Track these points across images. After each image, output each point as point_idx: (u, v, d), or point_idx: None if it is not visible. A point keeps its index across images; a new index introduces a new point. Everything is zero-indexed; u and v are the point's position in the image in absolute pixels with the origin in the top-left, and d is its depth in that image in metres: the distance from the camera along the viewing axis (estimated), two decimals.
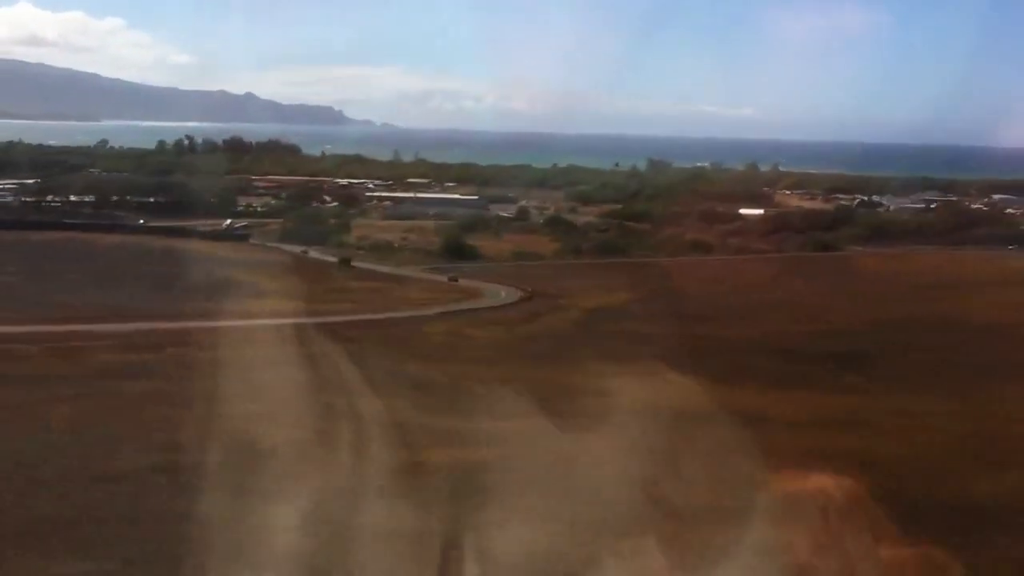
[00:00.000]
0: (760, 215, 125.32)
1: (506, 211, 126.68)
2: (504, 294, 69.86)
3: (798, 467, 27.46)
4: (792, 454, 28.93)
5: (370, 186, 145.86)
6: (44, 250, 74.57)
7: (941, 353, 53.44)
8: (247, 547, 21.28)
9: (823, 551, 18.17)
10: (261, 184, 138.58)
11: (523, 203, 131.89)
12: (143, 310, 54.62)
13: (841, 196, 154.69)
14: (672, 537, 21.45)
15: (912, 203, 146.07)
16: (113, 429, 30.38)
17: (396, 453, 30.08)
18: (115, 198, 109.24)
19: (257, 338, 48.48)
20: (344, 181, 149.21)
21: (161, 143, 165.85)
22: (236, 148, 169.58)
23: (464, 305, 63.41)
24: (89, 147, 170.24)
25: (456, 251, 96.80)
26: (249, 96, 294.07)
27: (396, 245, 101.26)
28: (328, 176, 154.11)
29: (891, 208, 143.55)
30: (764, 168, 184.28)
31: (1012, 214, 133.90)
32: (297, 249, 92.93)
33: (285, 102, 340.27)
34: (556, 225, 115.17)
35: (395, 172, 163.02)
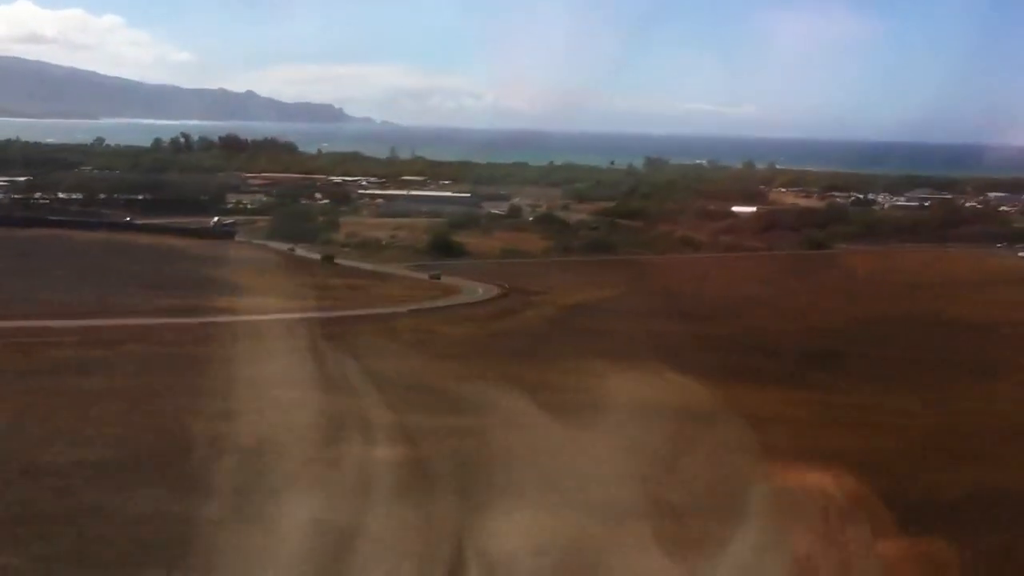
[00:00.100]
0: (752, 213, 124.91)
1: (499, 209, 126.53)
2: (481, 291, 69.56)
3: (747, 461, 27.29)
4: (745, 449, 28.72)
5: (364, 183, 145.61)
6: (24, 246, 74.44)
7: (917, 350, 53.13)
8: (150, 542, 21.09)
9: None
10: (255, 182, 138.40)
11: (516, 201, 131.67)
12: (112, 306, 54.39)
13: (836, 194, 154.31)
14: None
15: (907, 201, 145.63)
16: (49, 424, 30.12)
17: (332, 447, 29.93)
18: (103, 196, 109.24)
19: (218, 334, 48.33)
20: (339, 179, 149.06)
21: (157, 141, 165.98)
22: (232, 146, 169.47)
23: (439, 302, 63.16)
24: (86, 145, 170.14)
25: (443, 248, 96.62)
26: (249, 94, 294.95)
27: (384, 242, 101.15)
28: (323, 174, 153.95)
29: (885, 206, 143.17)
30: (761, 166, 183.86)
31: (1005, 212, 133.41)
32: (284, 246, 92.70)
33: (285, 100, 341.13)
34: (547, 223, 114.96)
35: (391, 170, 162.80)
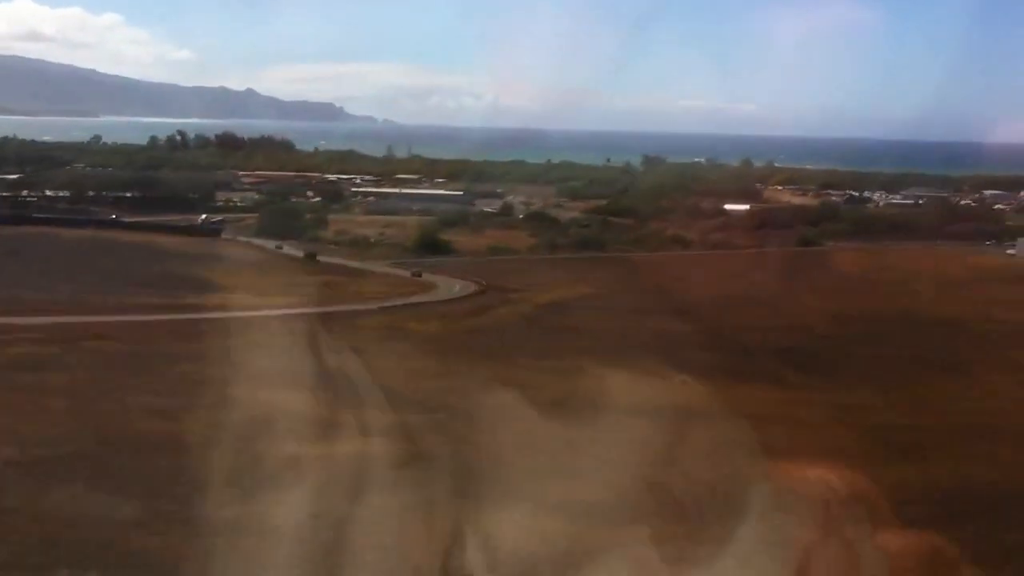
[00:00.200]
0: (745, 211, 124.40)
1: (491, 207, 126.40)
2: (458, 288, 69.46)
3: (679, 454, 27.12)
4: (695, 445, 28.56)
5: (358, 181, 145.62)
6: (4, 244, 74.61)
7: (891, 348, 52.84)
8: (53, 542, 20.98)
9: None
10: (248, 179, 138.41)
11: (509, 199, 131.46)
12: (83, 303, 54.54)
13: (832, 192, 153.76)
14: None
15: (902, 198, 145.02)
16: None
17: (268, 445, 29.81)
18: (91, 193, 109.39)
19: (181, 332, 48.41)
20: (333, 176, 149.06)
21: (153, 138, 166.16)
22: (229, 144, 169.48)
23: (413, 299, 63.12)
24: (82, 143, 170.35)
25: (430, 246, 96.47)
26: (249, 92, 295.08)
27: (372, 240, 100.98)
28: (319, 171, 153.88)
29: (880, 204, 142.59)
30: (758, 164, 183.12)
31: (999, 210, 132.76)
32: (270, 244, 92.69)
33: (286, 98, 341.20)
34: (537, 220, 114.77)
35: (387, 168, 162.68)
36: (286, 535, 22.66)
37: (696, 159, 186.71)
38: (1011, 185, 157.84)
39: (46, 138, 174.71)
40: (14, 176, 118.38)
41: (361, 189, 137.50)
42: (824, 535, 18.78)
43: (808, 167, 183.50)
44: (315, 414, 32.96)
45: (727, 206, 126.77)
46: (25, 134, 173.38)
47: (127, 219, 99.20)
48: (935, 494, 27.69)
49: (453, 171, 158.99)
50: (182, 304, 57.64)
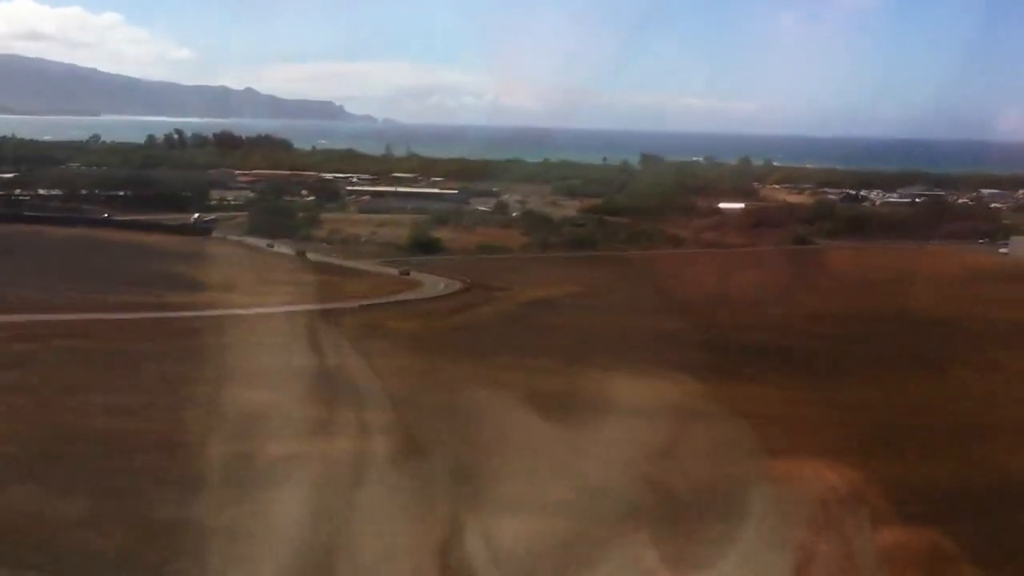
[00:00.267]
0: (740, 209, 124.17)
1: (486, 205, 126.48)
2: (443, 286, 69.43)
3: (643, 454, 27.07)
4: (642, 442, 28.50)
5: (355, 180, 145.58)
6: None
7: (868, 345, 52.74)
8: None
9: None
10: (244, 178, 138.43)
11: (504, 197, 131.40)
12: (61, 302, 54.57)
13: (830, 190, 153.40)
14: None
15: (899, 197, 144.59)
16: None
17: (227, 444, 29.80)
18: (84, 191, 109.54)
19: (156, 330, 48.46)
20: (330, 175, 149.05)
21: (150, 137, 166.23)
22: (227, 142, 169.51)
23: (396, 297, 63.12)
24: (81, 142, 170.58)
25: (421, 245, 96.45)
26: (249, 91, 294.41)
27: (364, 239, 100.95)
28: (315, 170, 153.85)
29: (877, 202, 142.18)
30: (757, 163, 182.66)
31: (996, 208, 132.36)
32: (262, 242, 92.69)
33: (286, 97, 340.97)
34: (531, 219, 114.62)
35: (385, 167, 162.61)
36: (226, 533, 22.67)
37: (694, 158, 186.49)
38: (1010, 184, 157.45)
39: (46, 137, 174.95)
40: (9, 175, 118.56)
41: (357, 188, 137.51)
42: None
43: (806, 166, 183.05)
44: (275, 411, 33.00)
45: (722, 205, 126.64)
46: (26, 133, 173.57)
47: (118, 218, 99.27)
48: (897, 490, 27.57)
49: (450, 170, 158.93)
50: (162, 303, 57.74)
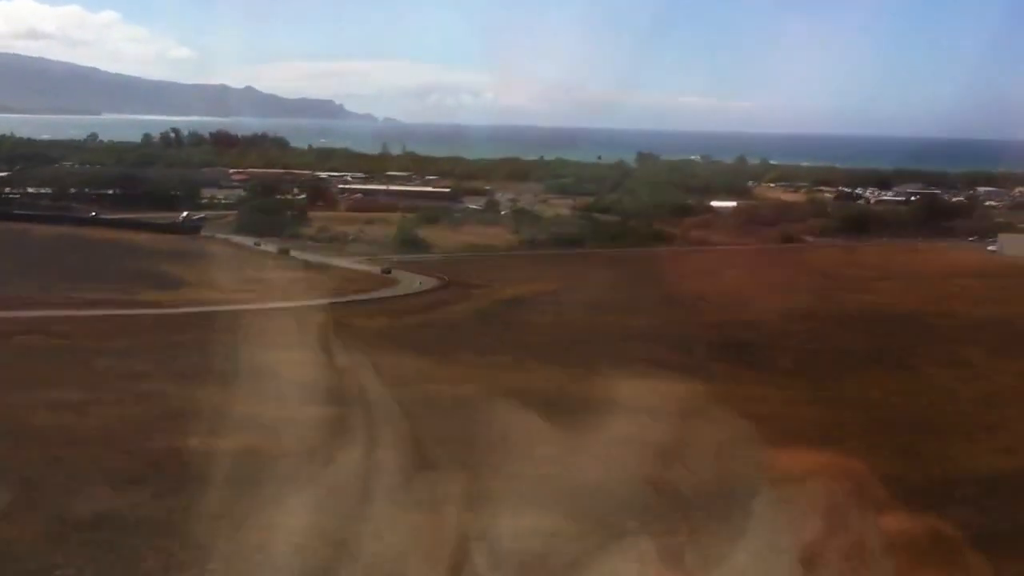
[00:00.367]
0: (731, 208, 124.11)
1: (477, 203, 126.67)
2: (420, 284, 69.47)
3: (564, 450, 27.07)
4: (574, 437, 28.50)
5: (348, 178, 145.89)
6: None
7: (838, 342, 52.54)
8: None
9: None
10: (238, 177, 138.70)
11: (497, 196, 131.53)
12: (31, 299, 54.76)
13: (825, 189, 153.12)
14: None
15: (895, 196, 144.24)
16: None
17: (155, 439, 29.94)
18: (73, 190, 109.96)
19: (121, 327, 48.63)
20: (324, 174, 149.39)
21: (147, 136, 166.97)
22: (223, 141, 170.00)
23: (369, 295, 63.16)
24: (79, 141, 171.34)
25: (408, 243, 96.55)
26: (249, 90, 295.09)
27: (352, 237, 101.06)
28: (310, 169, 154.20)
29: (872, 201, 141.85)
30: (754, 162, 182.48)
31: (990, 207, 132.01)
32: (249, 241, 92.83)
33: (286, 96, 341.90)
34: (520, 217, 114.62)
35: (379, 165, 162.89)
36: (136, 529, 22.74)
37: (691, 157, 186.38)
38: (1007, 182, 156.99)
39: (45, 136, 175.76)
40: (1, 174, 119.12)
41: (349, 186, 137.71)
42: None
43: (803, 164, 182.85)
44: (213, 407, 33.10)
45: (714, 203, 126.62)
46: (26, 132, 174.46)
47: (107, 216, 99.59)
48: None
49: (444, 169, 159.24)
50: (135, 300, 57.95)
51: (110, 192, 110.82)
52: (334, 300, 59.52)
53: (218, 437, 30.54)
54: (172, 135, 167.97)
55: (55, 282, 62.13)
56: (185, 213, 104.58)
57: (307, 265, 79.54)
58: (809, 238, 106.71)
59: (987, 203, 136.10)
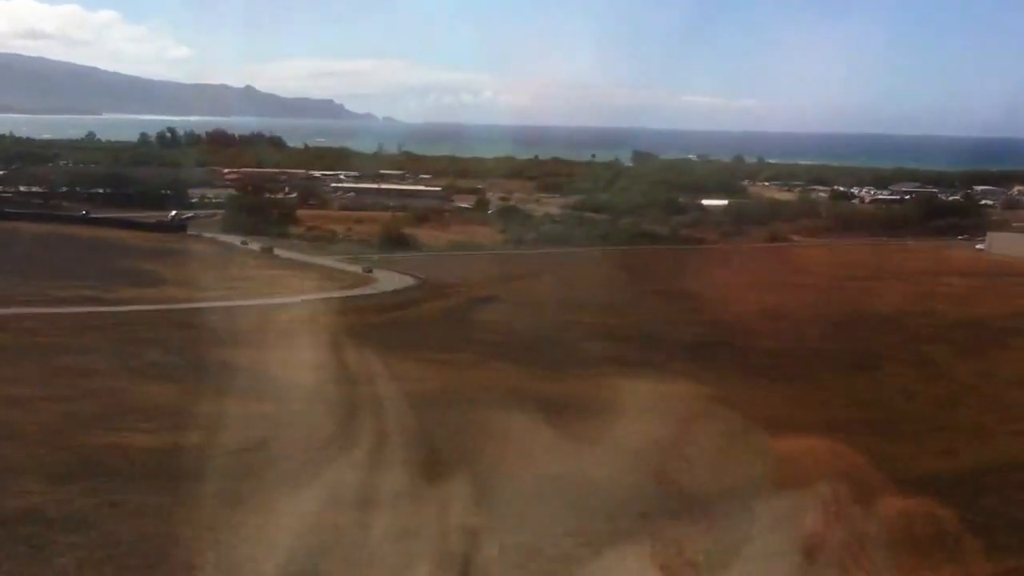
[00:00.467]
0: (722, 206, 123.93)
1: (467, 202, 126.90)
2: (397, 282, 69.55)
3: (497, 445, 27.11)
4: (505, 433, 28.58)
5: (341, 177, 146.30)
6: None
7: (803, 342, 52.35)
8: None
9: None
10: (231, 176, 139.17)
11: (489, 195, 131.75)
12: (8, 296, 54.94)
13: (820, 188, 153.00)
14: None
15: (890, 195, 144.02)
16: None
17: (98, 436, 30.04)
18: (65, 189, 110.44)
19: (88, 324, 48.86)
20: (317, 173, 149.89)
21: (143, 135, 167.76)
22: (219, 141, 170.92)
23: (343, 293, 63.24)
24: (76, 140, 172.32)
25: (395, 241, 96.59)
26: (249, 89, 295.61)
27: (340, 236, 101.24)
28: (305, 168, 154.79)
29: (866, 200, 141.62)
30: (751, 160, 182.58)
31: (986, 205, 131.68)
32: (237, 239, 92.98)
33: (286, 96, 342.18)
34: (508, 216, 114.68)
35: (374, 164, 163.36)
36: (57, 525, 22.83)
37: (688, 155, 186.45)
38: (1005, 181, 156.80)
39: (45, 136, 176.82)
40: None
41: (342, 185, 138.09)
42: None
43: (800, 163, 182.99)
44: (164, 405, 33.24)
45: (704, 202, 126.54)
46: (27, 132, 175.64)
47: (96, 215, 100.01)
48: None
49: (438, 167, 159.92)
50: (110, 298, 58.11)
51: (101, 191, 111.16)
52: (307, 298, 59.70)
53: (161, 434, 30.71)
54: (168, 135, 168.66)
55: (35, 280, 62.31)
56: (174, 212, 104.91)
57: (288, 263, 79.65)
58: (796, 238, 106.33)
59: (983, 202, 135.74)
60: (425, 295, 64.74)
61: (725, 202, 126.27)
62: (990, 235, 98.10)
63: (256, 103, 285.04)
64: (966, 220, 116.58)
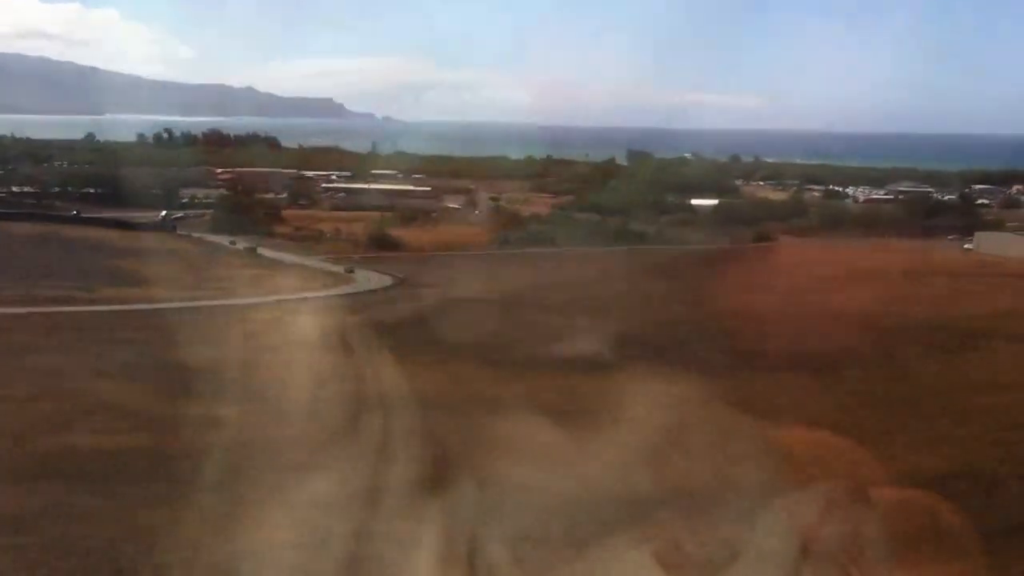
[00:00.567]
0: (712, 206, 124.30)
1: (456, 202, 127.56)
2: (375, 282, 70.12)
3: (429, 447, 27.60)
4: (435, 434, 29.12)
5: (333, 177, 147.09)
6: None
7: (765, 342, 52.27)
8: None
9: None
10: (224, 176, 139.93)
11: (479, 195, 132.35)
12: None
13: (815, 187, 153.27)
14: None
15: (885, 194, 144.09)
16: None
17: (55, 436, 30.69)
18: (57, 189, 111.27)
19: (62, 324, 49.57)
20: (310, 173, 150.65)
21: (140, 136, 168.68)
22: (215, 141, 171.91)
23: (318, 293, 63.84)
24: (75, 141, 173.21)
25: (381, 242, 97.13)
26: (249, 89, 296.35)
27: (328, 236, 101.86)
28: (299, 168, 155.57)
29: (860, 199, 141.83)
30: (747, 159, 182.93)
31: (981, 205, 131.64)
32: (225, 239, 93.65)
33: (285, 95, 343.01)
34: (497, 216, 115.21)
35: (369, 164, 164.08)
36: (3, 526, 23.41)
37: (684, 154, 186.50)
38: (1003, 180, 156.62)
39: (45, 136, 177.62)
40: None
41: (333, 185, 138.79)
42: None
43: (796, 162, 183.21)
44: (124, 406, 33.87)
45: (694, 201, 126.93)
46: (27, 132, 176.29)
47: (87, 215, 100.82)
48: None
49: (431, 167, 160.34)
50: (91, 297, 58.78)
51: (93, 191, 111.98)
52: (283, 298, 60.27)
53: (116, 435, 31.32)
54: (165, 135, 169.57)
55: (17, 279, 62.99)
56: (164, 212, 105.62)
57: (271, 264, 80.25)
58: (784, 237, 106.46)
59: (979, 201, 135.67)
60: (400, 295, 65.29)
61: (715, 202, 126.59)
62: (978, 235, 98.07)
63: (257, 103, 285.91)
64: (960, 220, 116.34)
